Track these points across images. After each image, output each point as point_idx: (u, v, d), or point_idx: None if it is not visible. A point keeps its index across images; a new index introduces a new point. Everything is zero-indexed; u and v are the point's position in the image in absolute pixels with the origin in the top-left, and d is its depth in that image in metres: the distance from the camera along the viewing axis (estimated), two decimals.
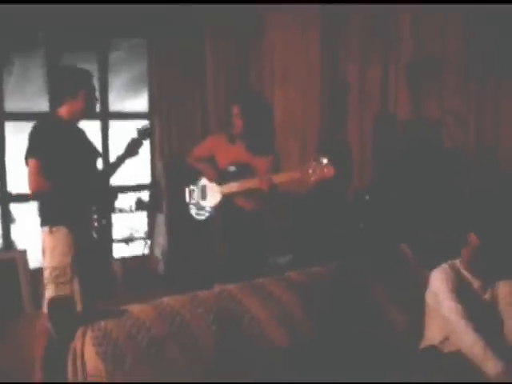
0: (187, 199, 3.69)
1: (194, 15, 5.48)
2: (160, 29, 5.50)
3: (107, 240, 5.12)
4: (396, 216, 3.59)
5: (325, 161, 3.08)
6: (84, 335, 2.20)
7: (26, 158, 2.88)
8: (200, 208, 3.62)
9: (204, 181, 3.61)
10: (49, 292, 2.93)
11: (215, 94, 5.74)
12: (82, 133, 3.22)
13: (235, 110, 3.45)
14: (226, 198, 3.47)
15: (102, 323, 2.23)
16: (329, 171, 3.07)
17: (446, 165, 3.95)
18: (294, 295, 2.66)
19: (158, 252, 5.78)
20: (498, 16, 3.69)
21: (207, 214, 3.59)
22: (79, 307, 2.90)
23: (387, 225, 3.55)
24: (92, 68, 5.65)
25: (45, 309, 2.96)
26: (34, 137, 2.94)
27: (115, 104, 5.72)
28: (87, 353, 2.17)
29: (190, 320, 2.36)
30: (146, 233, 6.02)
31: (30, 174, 2.87)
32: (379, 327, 2.78)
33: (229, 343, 2.37)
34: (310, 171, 3.10)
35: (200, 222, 3.70)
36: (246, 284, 2.66)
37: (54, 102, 3.17)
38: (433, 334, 2.65)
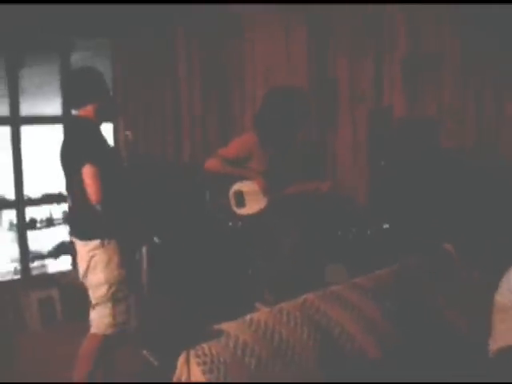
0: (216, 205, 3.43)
1: (164, 15, 5.23)
2: (126, 28, 5.22)
3: None
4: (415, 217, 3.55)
5: None
6: (188, 361, 1.97)
7: (79, 165, 2.56)
8: (232, 216, 3.39)
9: (240, 186, 3.37)
10: (106, 310, 2.67)
11: (189, 96, 5.51)
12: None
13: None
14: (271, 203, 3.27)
15: (205, 346, 2.01)
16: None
17: (444, 164, 3.97)
18: (372, 302, 2.55)
19: None
20: (496, 14, 3.75)
21: (239, 224, 3.38)
22: (133, 324, 2.70)
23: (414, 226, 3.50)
24: (53, 69, 5.34)
25: (94, 329, 2.69)
26: (83, 140, 2.66)
27: None
28: (195, 379, 1.94)
29: (288, 336, 2.19)
30: None
31: (92, 184, 2.59)
32: (445, 329, 2.72)
33: (328, 357, 2.22)
34: None
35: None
36: (322, 293, 2.52)
37: (74, 104, 2.88)
38: (507, 334, 2.62)
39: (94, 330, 2.73)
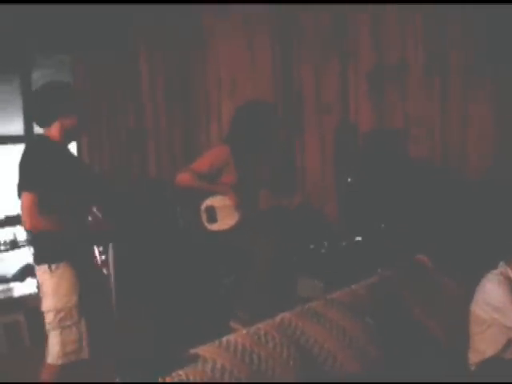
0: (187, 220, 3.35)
1: (125, 28, 5.15)
2: (87, 43, 5.12)
3: None
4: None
5: None
6: None
7: (19, 192, 2.46)
8: (202, 232, 3.32)
9: (211, 201, 3.29)
10: (54, 339, 2.55)
11: (153, 108, 5.43)
12: (74, 155, 2.90)
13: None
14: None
15: (181, 372, 1.92)
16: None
17: (412, 174, 3.96)
18: (350, 317, 2.50)
19: None
20: (458, 21, 3.78)
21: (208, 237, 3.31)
22: (87, 353, 2.56)
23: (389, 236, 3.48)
24: (13, 88, 5.21)
25: (49, 359, 2.56)
26: (26, 166, 2.53)
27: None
28: None
29: (267, 357, 2.12)
30: None
31: (25, 210, 2.48)
32: (424, 341, 2.69)
33: (309, 377, 2.15)
34: None
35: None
36: (299, 311, 2.46)
37: (38, 123, 2.75)
38: (487, 346, 2.60)
39: (47, 359, 2.61)
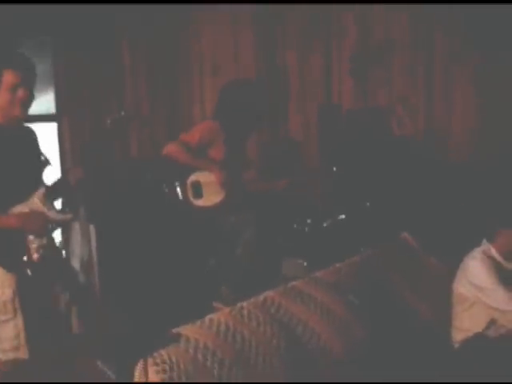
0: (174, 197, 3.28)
1: (108, 11, 5.04)
2: (68, 24, 5.01)
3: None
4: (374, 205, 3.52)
5: None
6: (145, 370, 1.84)
7: None
8: (188, 208, 3.26)
9: (197, 177, 3.23)
10: None
11: (134, 92, 5.34)
12: (24, 139, 2.58)
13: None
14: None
15: (163, 352, 1.88)
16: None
17: (397, 153, 3.94)
18: (334, 296, 2.48)
19: (75, 263, 5.28)
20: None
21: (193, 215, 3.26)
22: (24, 350, 2.43)
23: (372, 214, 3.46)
24: None
25: None
26: None
27: None
28: None
29: (250, 336, 2.09)
30: (60, 243, 5.48)
31: None
32: (408, 318, 2.68)
33: (293, 356, 2.13)
34: None
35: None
36: (283, 289, 2.43)
37: None
38: (469, 324, 2.60)
39: None
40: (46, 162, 2.61)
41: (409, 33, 3.92)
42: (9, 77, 2.35)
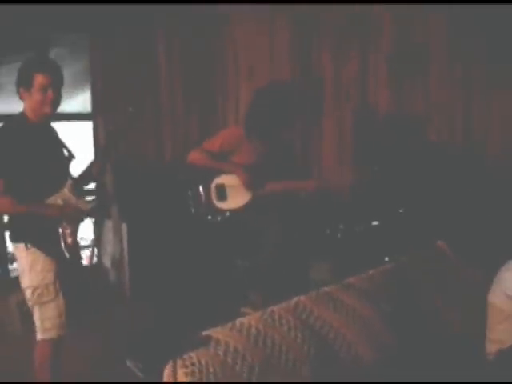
0: (197, 200, 3.31)
1: (145, 13, 5.06)
2: (105, 24, 5.06)
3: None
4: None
5: None
6: (174, 372, 1.83)
7: None
8: (212, 211, 3.27)
9: (222, 180, 3.25)
10: (35, 315, 2.65)
11: (169, 93, 5.36)
12: (52, 135, 2.81)
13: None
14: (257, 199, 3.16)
15: (193, 355, 1.87)
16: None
17: (433, 160, 3.87)
18: (366, 303, 2.43)
19: (107, 261, 5.33)
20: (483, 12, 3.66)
21: (220, 218, 3.25)
22: (65, 328, 2.65)
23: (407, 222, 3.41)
24: None
25: (39, 335, 2.57)
26: None
27: None
28: None
29: (281, 341, 2.06)
30: (92, 241, 5.55)
31: None
32: (441, 329, 2.62)
33: (323, 363, 2.10)
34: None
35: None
36: (315, 295, 2.40)
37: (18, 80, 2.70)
38: (505, 337, 2.53)
39: (38, 335, 2.67)
40: (71, 156, 2.83)
41: (447, 37, 3.85)
42: (39, 79, 2.59)
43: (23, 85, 2.62)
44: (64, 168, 2.79)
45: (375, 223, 3.49)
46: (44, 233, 2.61)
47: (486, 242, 3.10)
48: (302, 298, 2.34)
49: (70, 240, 2.65)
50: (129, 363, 1.91)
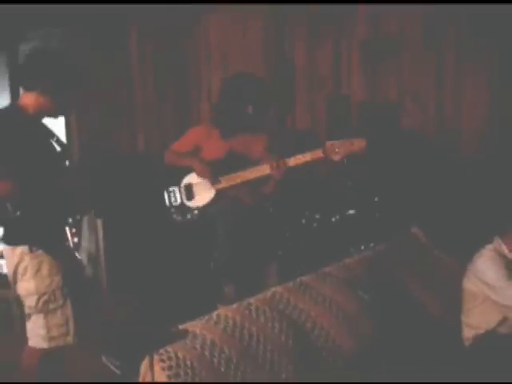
0: (166, 202, 3.31)
1: (114, 9, 4.98)
2: (74, 17, 4.96)
3: None
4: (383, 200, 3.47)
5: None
6: (151, 366, 1.80)
7: None
8: (185, 210, 3.26)
9: (189, 179, 3.25)
10: (38, 322, 2.44)
11: (142, 82, 5.29)
12: (46, 128, 2.66)
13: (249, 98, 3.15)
14: (221, 194, 3.15)
15: (170, 349, 1.85)
16: (359, 144, 2.85)
17: (406, 148, 3.89)
18: (344, 291, 2.44)
19: (83, 257, 5.28)
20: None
21: (193, 217, 3.24)
22: (73, 338, 2.48)
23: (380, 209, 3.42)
24: (1, 60, 5.07)
25: (30, 342, 2.47)
26: None
27: None
28: None
29: (258, 333, 2.05)
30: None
31: None
32: (418, 314, 2.64)
33: (302, 353, 2.09)
34: (335, 148, 2.86)
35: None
36: (291, 285, 2.39)
37: (23, 81, 2.59)
38: (480, 321, 2.56)
39: (29, 342, 2.46)
40: (63, 151, 2.67)
41: (420, 25, 3.85)
42: None
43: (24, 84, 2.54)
44: (60, 161, 2.64)
45: (351, 212, 3.48)
46: (50, 233, 2.44)
47: (460, 227, 3.12)
48: (279, 288, 2.34)
49: (75, 240, 2.57)
50: (104, 359, 1.88)
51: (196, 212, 3.26)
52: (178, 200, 3.29)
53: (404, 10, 3.87)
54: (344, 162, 2.96)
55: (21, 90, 2.61)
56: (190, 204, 3.26)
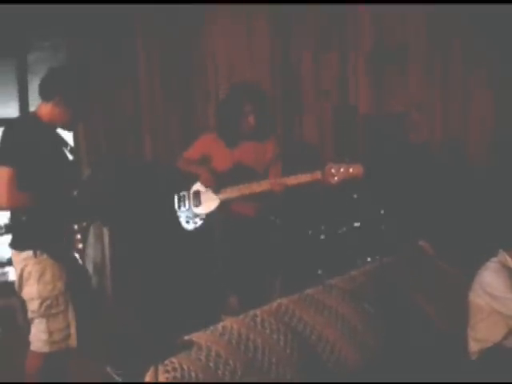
0: (176, 206, 3.34)
1: (123, 13, 5.01)
2: (82, 27, 4.99)
3: None
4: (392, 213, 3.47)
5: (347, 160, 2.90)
6: (156, 377, 1.80)
7: None
8: (192, 216, 3.27)
9: (198, 186, 3.28)
10: (40, 327, 2.47)
11: (150, 95, 5.31)
12: (61, 138, 2.75)
13: (248, 107, 3.14)
14: (224, 205, 3.16)
15: (174, 360, 1.85)
16: (356, 170, 2.87)
17: (413, 160, 3.88)
18: (349, 304, 2.43)
19: (89, 266, 5.27)
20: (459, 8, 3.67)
21: (199, 223, 3.25)
22: (74, 341, 2.51)
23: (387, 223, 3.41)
24: (9, 69, 5.10)
25: (32, 346, 2.49)
26: (7, 139, 2.44)
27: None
28: None
29: (263, 345, 2.05)
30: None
31: (2, 184, 2.36)
32: (424, 328, 2.63)
33: (307, 365, 2.08)
34: (333, 171, 2.88)
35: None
36: (297, 297, 2.39)
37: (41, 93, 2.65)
38: (487, 335, 2.54)
39: (31, 347, 2.51)
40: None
41: (426, 37, 3.87)
42: None
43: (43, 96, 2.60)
44: (72, 170, 2.72)
45: (357, 224, 3.48)
46: (55, 238, 2.50)
47: (467, 240, 3.11)
48: (285, 300, 2.33)
49: (80, 246, 2.60)
50: (109, 370, 1.87)
51: (201, 220, 3.28)
52: (187, 205, 3.33)
53: (405, 9, 3.88)
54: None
55: (39, 101, 2.69)
56: (197, 211, 3.29)
